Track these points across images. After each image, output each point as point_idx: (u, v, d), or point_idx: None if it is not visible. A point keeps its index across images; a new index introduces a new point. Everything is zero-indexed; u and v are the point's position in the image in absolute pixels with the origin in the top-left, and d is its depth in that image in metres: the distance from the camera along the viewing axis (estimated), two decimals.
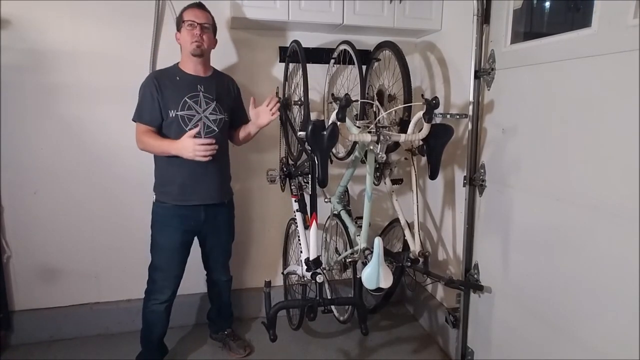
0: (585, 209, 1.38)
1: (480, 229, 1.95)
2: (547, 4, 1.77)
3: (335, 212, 2.14)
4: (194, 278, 2.16)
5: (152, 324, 1.98)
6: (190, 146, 1.72)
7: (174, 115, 1.81)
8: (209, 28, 1.84)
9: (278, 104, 1.94)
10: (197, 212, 1.91)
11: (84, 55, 2.08)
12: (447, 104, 2.17)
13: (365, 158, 1.65)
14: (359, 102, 1.92)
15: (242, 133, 2.05)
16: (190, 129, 1.78)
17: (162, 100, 1.80)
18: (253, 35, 2.28)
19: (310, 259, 1.83)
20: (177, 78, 1.85)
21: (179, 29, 1.85)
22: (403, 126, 1.80)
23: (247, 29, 2.25)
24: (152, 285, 1.94)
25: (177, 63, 1.90)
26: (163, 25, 2.13)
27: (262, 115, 1.94)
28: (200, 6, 1.85)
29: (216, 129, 1.88)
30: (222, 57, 2.26)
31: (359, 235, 1.75)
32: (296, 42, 1.97)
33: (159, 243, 1.91)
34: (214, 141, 1.78)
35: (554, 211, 1.51)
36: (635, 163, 1.20)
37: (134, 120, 1.84)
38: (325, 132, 1.41)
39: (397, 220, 2.04)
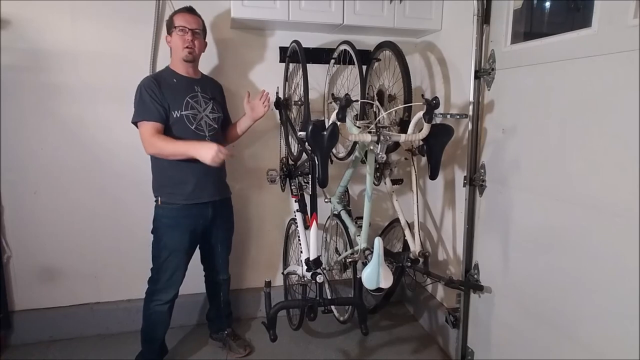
0: (585, 209, 1.38)
1: (480, 229, 1.95)
2: (547, 4, 1.77)
3: (335, 212, 2.14)
4: (194, 278, 2.15)
5: (154, 325, 1.98)
6: (213, 150, 1.68)
7: (178, 115, 1.82)
8: (200, 33, 1.87)
9: (269, 97, 2.03)
10: (206, 209, 1.94)
11: (84, 55, 2.08)
12: (447, 104, 2.17)
13: (366, 158, 1.65)
14: (359, 102, 1.92)
15: (237, 128, 2.09)
16: (195, 128, 1.85)
17: (164, 102, 1.80)
18: (253, 35, 2.28)
19: (311, 259, 1.83)
20: (174, 80, 1.86)
21: (169, 33, 1.86)
22: (403, 126, 1.81)
23: (247, 29, 2.26)
24: (155, 286, 1.94)
25: (168, 66, 1.91)
26: (163, 25, 2.12)
27: (256, 108, 2.02)
28: (191, 11, 1.86)
29: (216, 126, 1.94)
30: (222, 57, 2.26)
31: (359, 235, 1.75)
32: (296, 42, 1.97)
33: (168, 245, 1.90)
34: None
35: (554, 211, 1.51)
36: (635, 163, 1.20)
37: (137, 120, 1.78)
38: (325, 132, 1.41)
39: (397, 220, 2.04)
